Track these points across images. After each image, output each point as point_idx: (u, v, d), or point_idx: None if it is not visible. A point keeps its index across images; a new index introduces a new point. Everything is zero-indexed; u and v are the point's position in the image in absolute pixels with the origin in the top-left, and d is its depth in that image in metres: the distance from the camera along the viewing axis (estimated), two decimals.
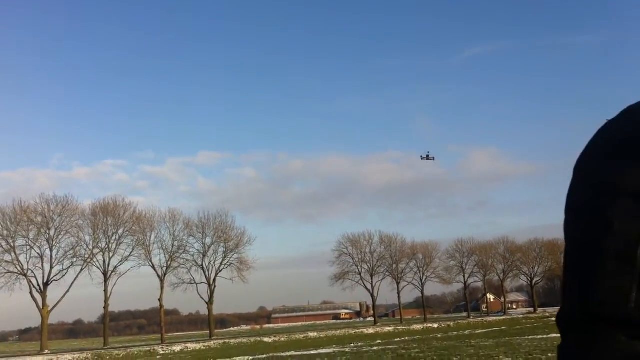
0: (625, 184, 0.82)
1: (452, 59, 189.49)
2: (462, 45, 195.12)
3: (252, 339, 58.87)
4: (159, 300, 72.42)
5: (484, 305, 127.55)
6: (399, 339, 40.43)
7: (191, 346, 53.41)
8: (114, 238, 69.09)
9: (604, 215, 0.83)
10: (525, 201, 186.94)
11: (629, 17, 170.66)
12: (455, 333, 44.97)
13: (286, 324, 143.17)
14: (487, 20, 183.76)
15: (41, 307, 61.37)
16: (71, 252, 65.16)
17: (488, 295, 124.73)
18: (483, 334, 39.10)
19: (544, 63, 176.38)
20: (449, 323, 69.92)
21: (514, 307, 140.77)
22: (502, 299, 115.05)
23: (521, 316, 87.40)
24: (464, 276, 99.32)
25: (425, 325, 67.95)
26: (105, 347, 61.56)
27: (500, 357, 19.97)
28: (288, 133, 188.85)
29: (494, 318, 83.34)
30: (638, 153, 0.83)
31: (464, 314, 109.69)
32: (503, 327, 49.20)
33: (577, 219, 0.89)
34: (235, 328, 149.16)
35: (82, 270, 65.54)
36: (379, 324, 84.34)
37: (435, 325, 64.91)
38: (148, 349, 53.09)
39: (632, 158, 0.83)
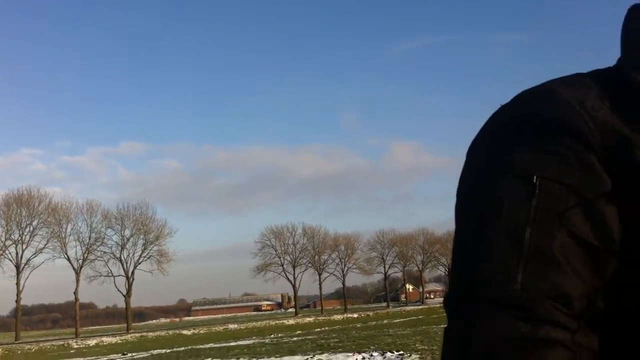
0: (515, 165, 0.82)
1: (379, 55, 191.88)
2: (388, 41, 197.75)
3: (171, 332, 58.01)
4: (74, 293, 70.73)
5: (403, 295, 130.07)
6: (319, 329, 40.68)
7: (107, 340, 52.17)
8: (27, 230, 67.20)
9: (493, 197, 0.82)
10: (445, 194, 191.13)
11: (548, 20, 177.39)
12: (374, 323, 45.65)
13: (206, 317, 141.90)
14: (414, 17, 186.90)
15: None
16: None
17: (407, 285, 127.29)
18: (401, 323, 39.82)
19: (465, 60, 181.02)
20: (368, 313, 70.94)
21: (432, 296, 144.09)
22: (421, 289, 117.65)
23: (438, 305, 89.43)
24: (384, 267, 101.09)
25: (345, 315, 68.74)
26: (17, 342, 59.40)
27: (417, 345, 20.36)
28: (213, 124, 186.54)
29: (412, 307, 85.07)
30: (527, 135, 0.83)
31: (384, 304, 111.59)
32: (420, 316, 50.24)
33: (467, 201, 0.88)
34: (154, 321, 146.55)
35: None
36: (299, 314, 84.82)
37: (355, 315, 65.74)
38: (62, 343, 51.46)
39: (521, 140, 0.84)
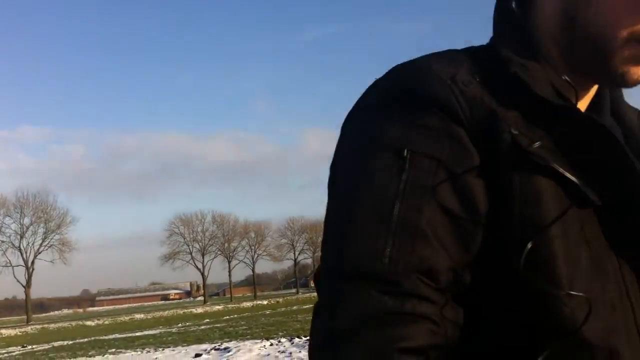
0: (386, 139, 0.81)
1: (290, 41, 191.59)
2: (299, 27, 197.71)
3: (74, 323, 56.16)
4: None
5: (313, 282, 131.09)
6: (227, 317, 40.33)
7: (5, 332, 49.92)
8: None
9: (364, 171, 0.81)
10: None
11: (450, 9, 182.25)
12: (283, 309, 45.73)
13: (111, 307, 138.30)
14: (322, 5, 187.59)
15: None
16: None
17: None
18: (310, 309, 39.89)
19: (369, 48, 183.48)
20: (278, 299, 71.04)
21: None
22: None
23: None
24: (294, 253, 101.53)
25: (255, 302, 68.51)
26: None
27: None
28: (120, 109, 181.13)
29: None
30: (399, 109, 0.83)
31: (293, 290, 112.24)
32: None
33: (339, 175, 0.87)
34: (56, 312, 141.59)
35: None
36: (208, 303, 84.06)
37: (265, 302, 65.63)
38: None
39: (393, 114, 0.83)
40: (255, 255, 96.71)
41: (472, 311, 0.81)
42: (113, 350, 21.52)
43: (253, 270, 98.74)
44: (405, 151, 0.80)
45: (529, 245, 0.77)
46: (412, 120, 0.81)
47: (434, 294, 0.77)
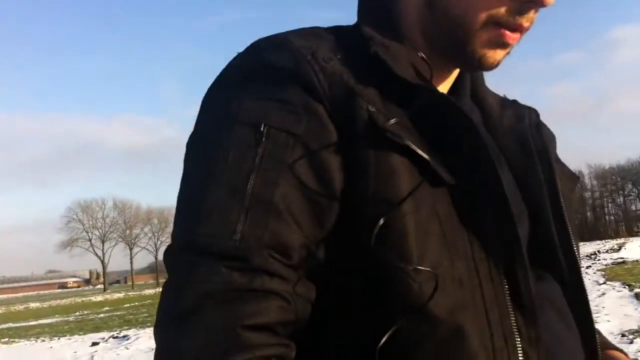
0: (243, 113, 0.80)
1: (203, 23, 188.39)
2: (216, 9, 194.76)
3: None
4: None
5: None
6: (128, 305, 39.65)
7: None
8: None
9: (219, 146, 0.80)
10: None
11: None
12: None
13: (5, 296, 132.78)
14: None
15: None
16: None
17: None
18: None
19: None
20: None
21: None
22: None
23: None
24: None
25: (157, 289, 67.53)
26: None
27: None
28: (19, 91, 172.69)
29: None
30: (258, 83, 0.83)
31: None
32: None
33: (195, 149, 0.85)
34: None
35: None
36: (109, 291, 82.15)
37: None
38: None
39: (251, 88, 0.82)
40: (159, 242, 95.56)
41: (326, 288, 0.81)
42: (6, 339, 20.79)
43: (156, 257, 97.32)
44: (262, 126, 0.79)
45: (381, 222, 0.77)
46: (271, 95, 0.81)
47: (286, 271, 0.76)
